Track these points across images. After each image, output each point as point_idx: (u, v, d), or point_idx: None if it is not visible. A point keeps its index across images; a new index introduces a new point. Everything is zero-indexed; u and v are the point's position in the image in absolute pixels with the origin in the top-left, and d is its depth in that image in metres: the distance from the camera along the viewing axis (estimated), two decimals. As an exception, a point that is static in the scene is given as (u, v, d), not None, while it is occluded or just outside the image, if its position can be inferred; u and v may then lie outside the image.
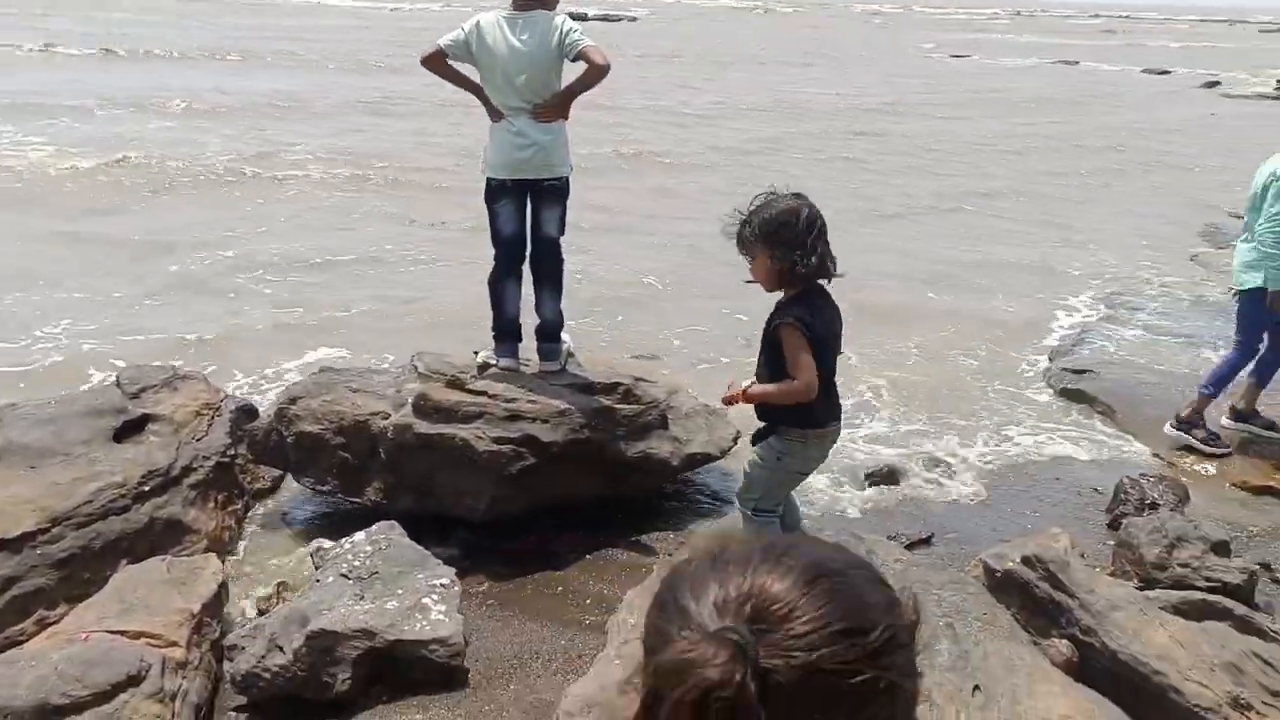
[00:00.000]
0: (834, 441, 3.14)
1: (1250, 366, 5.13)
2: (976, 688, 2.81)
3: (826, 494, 4.64)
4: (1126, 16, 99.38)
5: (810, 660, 0.81)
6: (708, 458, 4.45)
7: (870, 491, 4.72)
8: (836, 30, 51.80)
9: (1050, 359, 6.46)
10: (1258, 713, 2.88)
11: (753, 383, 3.07)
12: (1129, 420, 5.55)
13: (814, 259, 2.80)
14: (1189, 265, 9.09)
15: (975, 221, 10.70)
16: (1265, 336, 5.03)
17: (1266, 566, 3.99)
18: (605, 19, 44.72)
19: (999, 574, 3.33)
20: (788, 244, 2.81)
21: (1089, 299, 7.91)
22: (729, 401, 3.14)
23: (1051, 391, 6.01)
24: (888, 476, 4.83)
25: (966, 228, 10.37)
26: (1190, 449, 5.11)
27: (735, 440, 4.52)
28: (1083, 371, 6.14)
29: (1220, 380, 5.10)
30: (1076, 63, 36.09)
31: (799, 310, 2.80)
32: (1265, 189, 4.82)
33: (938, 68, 32.17)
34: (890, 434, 5.36)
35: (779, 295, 3.00)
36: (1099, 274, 8.65)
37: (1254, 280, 4.87)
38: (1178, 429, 5.18)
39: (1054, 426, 5.54)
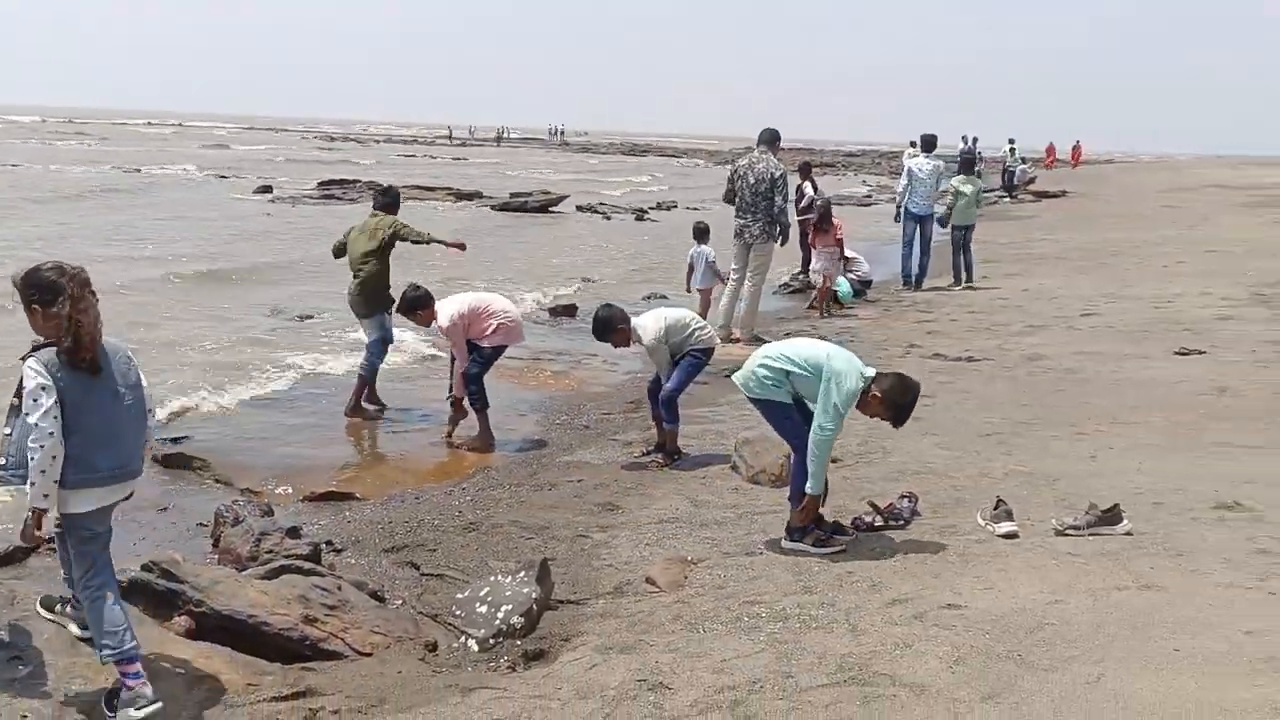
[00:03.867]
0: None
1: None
2: (119, 660, 3.69)
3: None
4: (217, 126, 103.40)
5: None
6: None
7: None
8: None
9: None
10: (322, 621, 4.26)
11: None
12: (223, 468, 6.76)
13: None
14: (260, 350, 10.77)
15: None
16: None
17: (329, 542, 5.48)
18: None
19: (125, 583, 4.21)
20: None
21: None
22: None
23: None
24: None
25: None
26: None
27: None
28: (180, 438, 7.22)
29: (804, 487, 5.04)
30: (138, 169, 37.17)
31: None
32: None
33: None
34: None
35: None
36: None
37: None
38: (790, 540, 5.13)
39: (164, 481, 6.51)
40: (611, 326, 6.73)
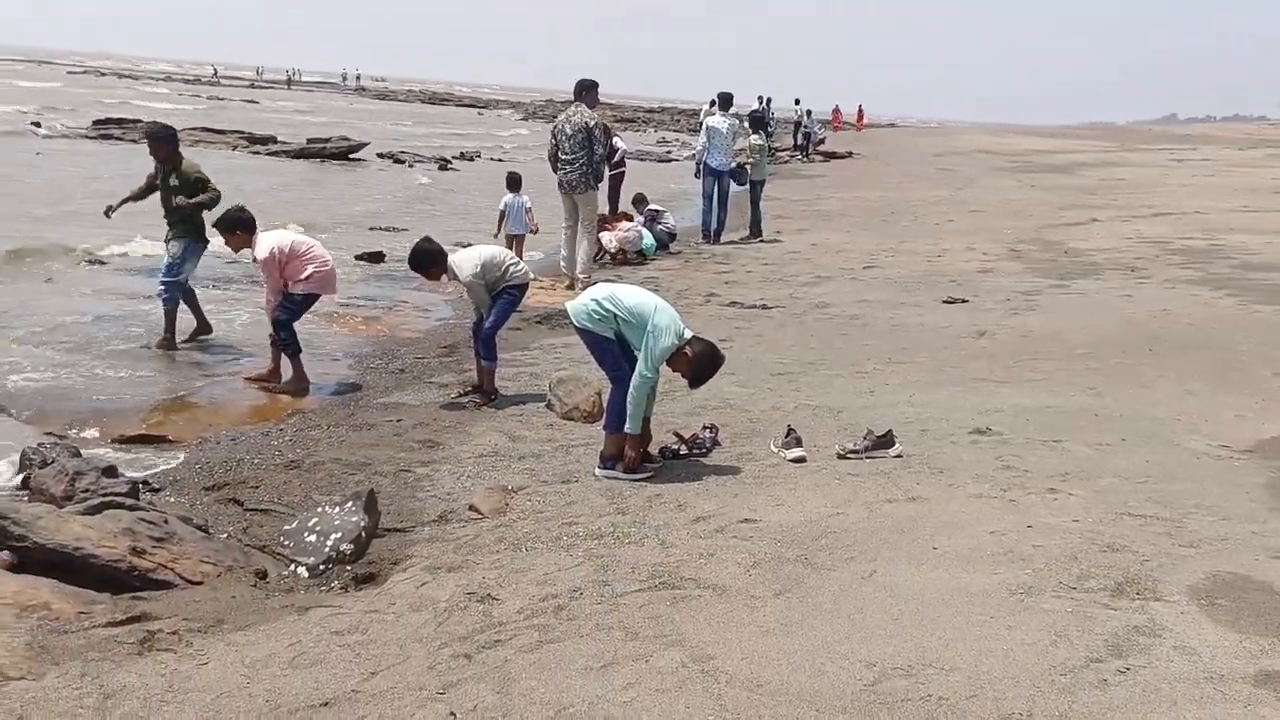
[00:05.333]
0: None
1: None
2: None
3: None
4: None
5: None
6: None
7: None
8: None
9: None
10: (150, 552, 4.33)
11: None
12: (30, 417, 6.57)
13: None
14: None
15: None
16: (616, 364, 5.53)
17: (145, 482, 5.46)
18: None
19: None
20: None
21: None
22: None
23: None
24: None
25: None
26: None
27: None
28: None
29: (619, 418, 5.45)
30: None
31: None
32: None
33: None
34: None
35: None
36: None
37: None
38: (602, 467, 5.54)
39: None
40: (433, 259, 6.92)
